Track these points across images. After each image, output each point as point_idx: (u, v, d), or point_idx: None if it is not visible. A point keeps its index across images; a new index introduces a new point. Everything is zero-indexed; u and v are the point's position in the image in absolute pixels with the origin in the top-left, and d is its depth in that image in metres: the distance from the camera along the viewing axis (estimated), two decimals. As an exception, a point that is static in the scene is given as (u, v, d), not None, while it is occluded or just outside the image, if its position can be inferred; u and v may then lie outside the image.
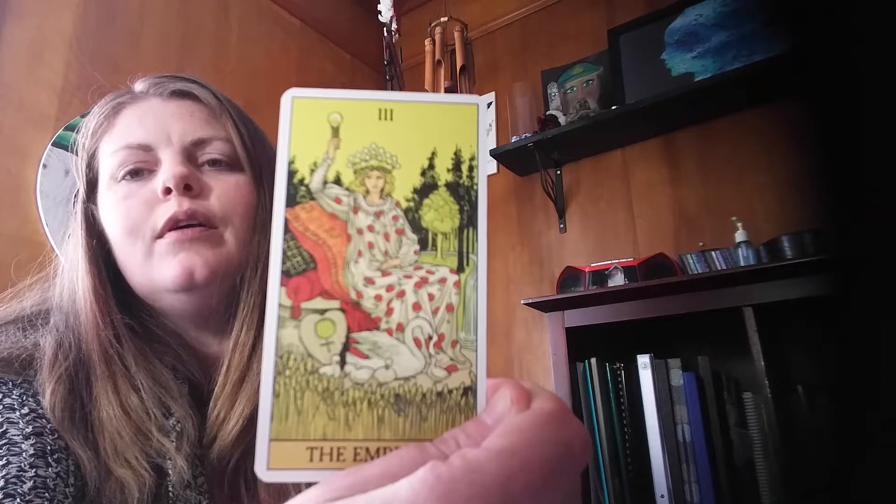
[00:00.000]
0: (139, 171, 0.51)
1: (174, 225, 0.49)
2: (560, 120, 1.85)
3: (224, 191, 0.52)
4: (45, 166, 1.29)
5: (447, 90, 1.68)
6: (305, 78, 2.07)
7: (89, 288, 0.50)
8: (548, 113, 1.93)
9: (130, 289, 0.52)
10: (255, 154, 0.55)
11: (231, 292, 0.52)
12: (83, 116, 1.40)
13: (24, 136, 1.28)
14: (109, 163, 0.52)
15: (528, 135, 1.83)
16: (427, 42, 1.71)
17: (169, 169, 0.50)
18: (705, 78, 1.62)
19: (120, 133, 0.53)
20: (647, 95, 1.65)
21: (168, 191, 0.49)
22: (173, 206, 0.49)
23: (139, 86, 0.56)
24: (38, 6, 1.34)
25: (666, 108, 1.64)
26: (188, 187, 0.50)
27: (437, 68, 1.67)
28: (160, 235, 0.49)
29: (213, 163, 0.53)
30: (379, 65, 2.16)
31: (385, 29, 1.61)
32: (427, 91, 1.67)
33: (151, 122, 0.52)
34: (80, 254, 0.51)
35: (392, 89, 1.62)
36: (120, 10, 1.51)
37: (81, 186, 0.54)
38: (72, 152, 0.56)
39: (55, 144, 1.32)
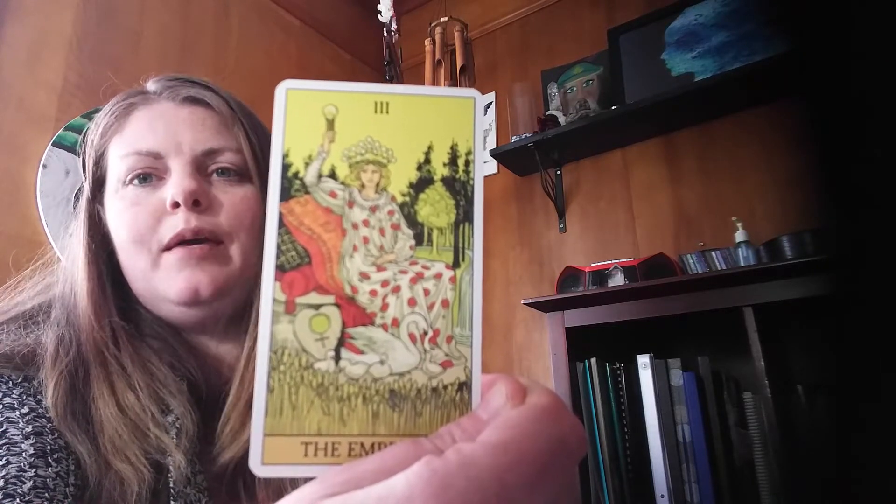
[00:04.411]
0: (148, 177, 0.51)
1: (180, 241, 0.49)
2: (560, 120, 1.85)
3: (232, 204, 0.52)
4: (45, 166, 1.29)
5: (447, 90, 1.68)
6: (305, 78, 2.07)
7: (86, 290, 0.50)
8: (548, 113, 1.93)
9: (127, 292, 0.53)
10: (265, 164, 0.54)
11: (234, 304, 0.52)
12: (84, 116, 1.40)
13: (24, 136, 1.28)
14: (118, 166, 0.52)
15: (528, 135, 1.83)
16: (427, 42, 1.71)
17: (179, 183, 0.50)
18: (705, 78, 1.62)
19: (130, 136, 0.52)
20: (647, 95, 1.65)
21: (176, 205, 0.49)
22: (180, 223, 0.49)
23: (151, 86, 0.56)
24: (38, 6, 1.34)
25: (666, 108, 1.64)
26: (196, 202, 0.50)
27: (437, 68, 1.67)
28: (166, 248, 0.49)
29: (222, 172, 0.53)
30: (379, 65, 2.16)
31: (385, 29, 1.61)
32: (427, 91, 1.67)
33: (162, 128, 0.52)
34: (81, 255, 0.51)
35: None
36: (120, 10, 1.51)
37: (87, 184, 0.53)
38: (79, 149, 0.56)
39: (55, 144, 1.32)
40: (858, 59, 0.18)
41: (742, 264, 1.43)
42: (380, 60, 1.78)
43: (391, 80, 1.62)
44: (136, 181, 0.51)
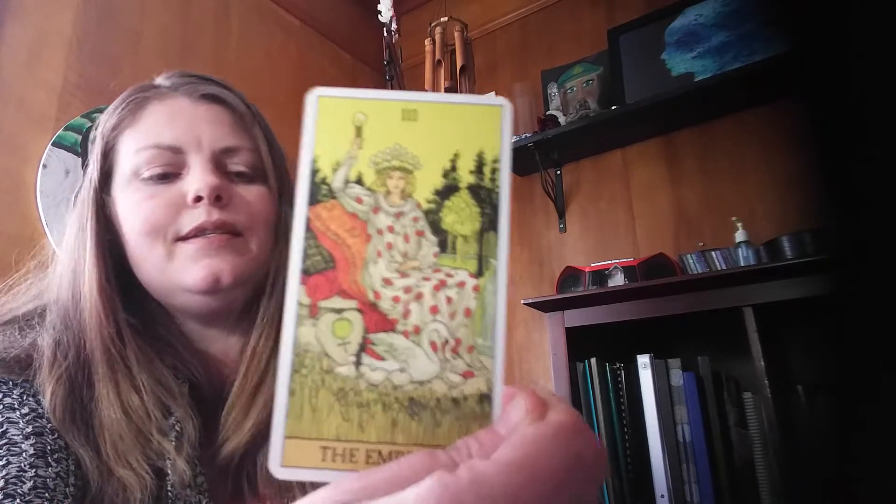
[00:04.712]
0: (167, 175, 0.51)
1: (200, 233, 0.50)
2: (560, 120, 1.85)
3: (250, 201, 0.53)
4: (45, 166, 1.29)
5: (447, 90, 1.68)
6: (305, 78, 2.07)
7: (95, 283, 0.49)
8: (548, 113, 1.93)
9: (134, 285, 0.52)
10: (278, 165, 0.56)
11: (245, 296, 0.53)
12: (84, 116, 1.40)
13: (24, 136, 1.28)
14: (134, 159, 0.51)
15: (528, 135, 1.83)
16: (427, 42, 1.71)
17: (202, 178, 0.50)
18: (705, 78, 1.62)
19: (147, 130, 0.52)
20: (647, 95, 1.65)
21: (198, 199, 0.50)
22: (202, 216, 0.49)
23: (165, 81, 0.56)
24: (38, 6, 1.34)
25: (666, 108, 1.64)
26: (218, 197, 0.50)
27: (437, 68, 1.67)
28: (183, 238, 0.50)
29: (239, 174, 0.53)
30: (379, 65, 2.16)
31: (385, 29, 1.61)
32: (427, 90, 1.67)
33: (182, 123, 0.52)
34: (90, 247, 0.50)
35: (392, 89, 1.61)
36: (120, 10, 1.51)
37: (96, 175, 0.52)
38: (91, 140, 0.56)
39: (55, 144, 1.32)
40: (858, 59, 0.18)
41: (742, 264, 1.43)
42: (380, 60, 1.78)
43: (391, 80, 1.61)
44: (154, 177, 0.51)
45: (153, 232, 0.49)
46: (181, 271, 0.49)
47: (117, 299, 0.50)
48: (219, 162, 0.52)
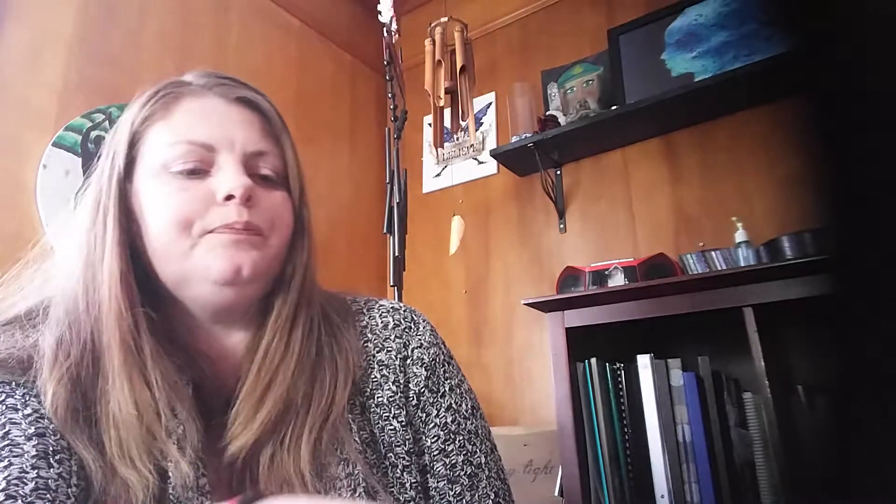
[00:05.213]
0: (196, 170, 0.52)
1: (227, 227, 0.51)
2: (560, 120, 1.85)
3: (274, 205, 0.54)
4: (45, 166, 1.29)
5: (447, 90, 1.67)
6: (305, 78, 2.07)
7: (117, 272, 0.49)
8: (548, 113, 1.93)
9: (146, 277, 0.52)
10: (298, 172, 0.58)
11: (258, 293, 0.54)
12: (84, 116, 1.40)
13: (24, 136, 1.28)
14: (165, 152, 0.51)
15: (528, 135, 1.83)
16: (427, 42, 1.71)
17: (235, 178, 0.51)
18: (705, 78, 1.62)
19: (181, 125, 0.53)
20: (647, 95, 1.65)
21: (230, 197, 0.51)
22: (232, 214, 0.50)
23: (198, 79, 0.56)
24: (38, 6, 1.34)
25: (666, 108, 1.64)
26: (248, 198, 0.51)
27: (437, 68, 1.67)
28: (210, 232, 0.50)
29: (264, 178, 0.55)
30: (379, 65, 2.16)
31: (385, 29, 1.61)
32: (427, 91, 1.67)
33: (216, 122, 0.53)
34: (111, 236, 0.50)
35: (392, 89, 1.61)
36: (120, 9, 1.51)
37: (121, 164, 0.52)
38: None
39: (55, 144, 1.32)
40: (858, 58, 0.18)
41: (742, 264, 1.43)
42: (380, 60, 1.78)
43: (391, 81, 1.61)
44: (185, 172, 0.51)
45: (182, 224, 0.50)
46: (205, 260, 0.50)
47: (136, 291, 0.50)
48: (248, 164, 0.53)
